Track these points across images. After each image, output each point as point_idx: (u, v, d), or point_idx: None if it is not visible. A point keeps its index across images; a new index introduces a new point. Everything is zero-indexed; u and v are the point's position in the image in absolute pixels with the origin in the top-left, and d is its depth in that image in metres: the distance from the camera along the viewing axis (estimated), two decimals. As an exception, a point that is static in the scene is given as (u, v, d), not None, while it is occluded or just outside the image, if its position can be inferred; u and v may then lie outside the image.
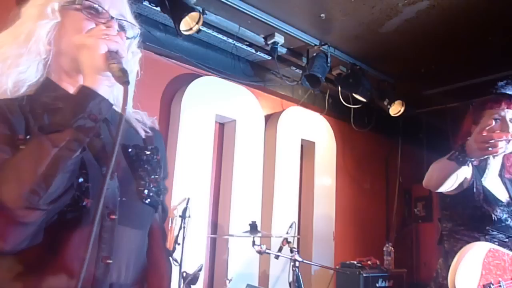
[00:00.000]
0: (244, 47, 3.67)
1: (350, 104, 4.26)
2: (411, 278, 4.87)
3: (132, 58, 1.06)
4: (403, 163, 5.21)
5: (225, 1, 3.13)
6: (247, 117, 3.88)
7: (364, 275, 3.74)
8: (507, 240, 1.96)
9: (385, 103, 4.28)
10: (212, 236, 3.55)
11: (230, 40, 3.53)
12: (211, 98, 3.62)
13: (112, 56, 0.87)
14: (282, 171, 4.04)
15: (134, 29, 1.05)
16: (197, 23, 2.98)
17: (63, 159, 0.78)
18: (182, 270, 2.68)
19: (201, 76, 3.61)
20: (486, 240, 1.90)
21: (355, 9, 3.19)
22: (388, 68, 4.12)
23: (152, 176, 1.01)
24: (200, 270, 2.67)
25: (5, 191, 0.75)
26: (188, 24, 2.98)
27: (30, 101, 0.92)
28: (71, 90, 0.96)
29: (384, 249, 4.27)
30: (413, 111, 4.76)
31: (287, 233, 2.99)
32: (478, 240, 1.89)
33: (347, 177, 4.89)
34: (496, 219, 1.90)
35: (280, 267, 3.75)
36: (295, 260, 2.75)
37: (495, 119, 1.96)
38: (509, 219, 1.94)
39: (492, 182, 2.00)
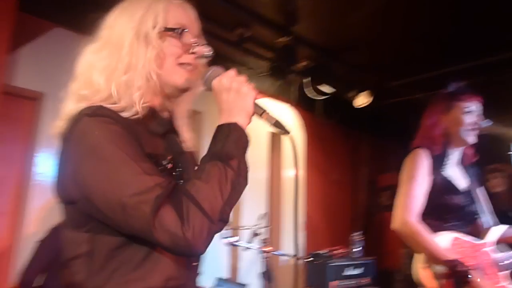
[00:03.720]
0: (209, 38, 3.60)
1: (318, 95, 4.28)
2: (379, 266, 4.99)
3: None
4: (369, 154, 5.30)
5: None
6: (214, 109, 3.82)
7: (331, 264, 3.79)
8: (467, 227, 2.01)
9: (352, 94, 4.33)
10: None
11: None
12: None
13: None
14: (250, 163, 4.01)
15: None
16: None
17: (241, 183, 0.97)
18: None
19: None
20: (446, 228, 1.93)
21: (321, 0, 3.19)
22: (355, 59, 4.14)
23: None
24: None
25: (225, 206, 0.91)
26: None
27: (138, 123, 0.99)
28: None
29: (353, 238, 4.33)
30: (380, 102, 4.83)
31: (257, 224, 2.98)
32: (439, 228, 1.92)
33: (315, 168, 4.93)
34: (455, 208, 1.95)
35: (250, 259, 3.75)
36: (264, 252, 2.75)
37: (466, 112, 2.03)
38: (468, 206, 2.00)
39: (452, 171, 2.05)
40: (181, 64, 1.04)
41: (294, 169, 1.08)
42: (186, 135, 1.15)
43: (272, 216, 4.34)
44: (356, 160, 5.51)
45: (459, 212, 1.97)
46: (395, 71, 4.29)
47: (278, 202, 4.35)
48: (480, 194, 2.11)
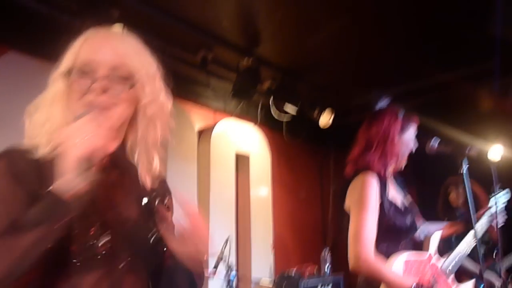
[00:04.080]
0: (173, 61, 3.60)
1: (282, 115, 4.32)
2: (348, 281, 5.01)
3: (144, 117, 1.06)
4: (336, 170, 5.36)
5: (151, 15, 3.05)
6: (179, 132, 3.80)
7: (303, 286, 3.76)
8: (412, 242, 2.00)
9: (316, 113, 4.40)
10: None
11: (158, 54, 3.44)
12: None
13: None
14: (217, 185, 3.99)
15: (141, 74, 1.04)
16: (120, 37, 2.87)
17: (34, 253, 0.82)
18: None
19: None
20: (398, 249, 1.90)
21: (282, 23, 3.25)
22: (316, 79, 4.23)
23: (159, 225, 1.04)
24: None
25: None
26: (111, 38, 2.86)
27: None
28: None
29: (321, 255, 4.33)
30: (343, 120, 4.91)
31: (222, 249, 2.93)
32: (392, 251, 1.89)
33: (283, 187, 4.93)
34: (403, 228, 1.91)
35: (218, 284, 3.68)
36: (229, 278, 2.70)
37: (414, 136, 2.05)
38: (412, 223, 1.96)
39: (392, 191, 1.99)
40: (85, 104, 0.97)
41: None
42: (142, 173, 1.06)
43: (241, 238, 4.29)
44: (324, 177, 5.56)
45: (407, 231, 1.94)
46: (355, 89, 4.40)
47: (246, 223, 4.32)
48: (410, 203, 2.06)
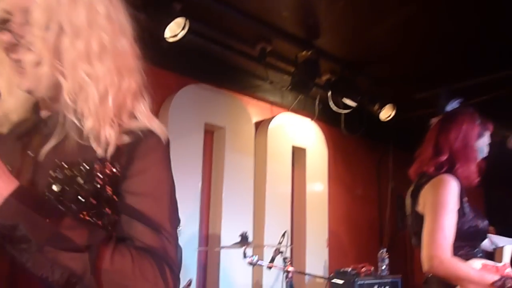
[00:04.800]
0: (232, 53, 3.61)
1: (340, 109, 4.21)
2: (406, 284, 4.82)
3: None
4: (395, 167, 5.16)
5: (211, 7, 3.07)
6: (236, 124, 3.82)
7: (359, 282, 3.67)
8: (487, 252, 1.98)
9: (376, 107, 4.25)
10: (202, 249, 3.46)
11: (217, 47, 3.47)
12: (199, 106, 3.56)
13: None
14: (273, 178, 3.98)
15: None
16: (182, 29, 2.92)
17: None
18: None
19: (189, 84, 3.54)
20: (474, 255, 1.86)
21: (343, 13, 3.15)
22: (378, 72, 4.08)
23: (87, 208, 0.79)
24: (189, 285, 2.59)
25: None
26: (174, 30, 2.92)
27: None
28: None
29: (378, 255, 4.20)
30: (405, 115, 4.71)
31: (279, 242, 2.91)
32: (468, 256, 1.85)
33: (339, 183, 4.83)
34: (480, 232, 1.88)
35: (273, 277, 3.67)
36: (287, 271, 2.67)
37: (488, 142, 2.01)
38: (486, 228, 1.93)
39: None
40: (10, 61, 0.80)
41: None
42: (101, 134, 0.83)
43: (296, 232, 4.25)
44: (382, 174, 5.38)
45: (484, 234, 1.91)
46: (418, 84, 4.19)
47: (302, 218, 4.27)
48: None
